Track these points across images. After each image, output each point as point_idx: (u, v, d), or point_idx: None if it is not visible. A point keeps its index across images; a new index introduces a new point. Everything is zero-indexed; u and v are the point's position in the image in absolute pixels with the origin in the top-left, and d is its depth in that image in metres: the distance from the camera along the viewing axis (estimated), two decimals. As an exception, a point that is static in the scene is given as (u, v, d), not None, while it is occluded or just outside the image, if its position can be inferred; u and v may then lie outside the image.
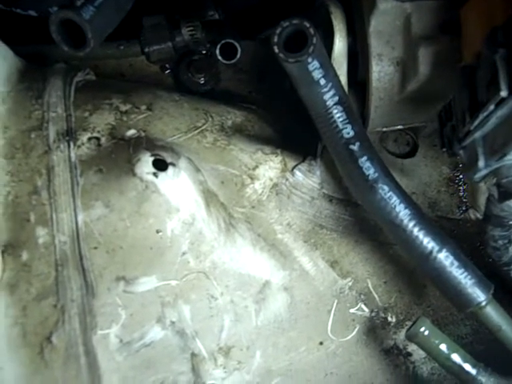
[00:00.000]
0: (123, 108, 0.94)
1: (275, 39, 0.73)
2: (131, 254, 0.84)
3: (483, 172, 0.76)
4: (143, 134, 0.92)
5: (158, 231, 0.84)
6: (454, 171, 1.12)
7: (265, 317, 0.93)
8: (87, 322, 0.81)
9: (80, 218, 0.84)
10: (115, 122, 0.92)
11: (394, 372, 1.00)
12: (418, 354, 1.00)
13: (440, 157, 1.12)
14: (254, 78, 1.18)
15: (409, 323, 0.98)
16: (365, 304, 1.00)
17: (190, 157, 0.91)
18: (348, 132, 0.84)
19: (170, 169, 0.84)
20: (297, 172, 0.99)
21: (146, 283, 0.84)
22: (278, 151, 0.99)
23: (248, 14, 1.18)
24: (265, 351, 0.93)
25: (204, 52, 1.13)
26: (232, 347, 0.90)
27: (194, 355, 0.87)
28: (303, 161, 1.00)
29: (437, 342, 0.86)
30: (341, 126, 0.83)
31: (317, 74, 0.78)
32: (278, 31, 0.73)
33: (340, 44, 0.93)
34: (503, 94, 0.65)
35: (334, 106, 0.82)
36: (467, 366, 0.85)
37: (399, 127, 1.02)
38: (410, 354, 1.01)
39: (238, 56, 1.05)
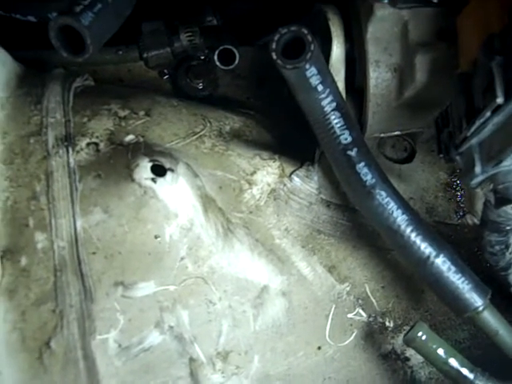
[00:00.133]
0: (122, 113, 0.94)
1: (273, 46, 0.73)
2: (130, 260, 0.84)
3: (480, 178, 0.76)
4: (142, 140, 0.92)
5: (156, 236, 0.85)
6: (451, 177, 1.13)
7: (263, 322, 0.93)
8: (86, 327, 0.81)
9: (79, 223, 0.84)
10: (114, 127, 0.92)
11: (392, 377, 1.00)
12: (415, 358, 1.00)
13: (437, 162, 1.13)
14: (253, 84, 1.18)
15: (407, 328, 0.98)
16: (363, 309, 1.00)
17: (188, 162, 0.91)
18: (346, 138, 0.84)
19: (169, 174, 0.84)
20: (295, 177, 0.99)
21: (145, 288, 0.84)
22: (276, 157, 0.99)
23: (246, 20, 1.18)
24: (263, 356, 0.93)
25: (202, 58, 1.13)
26: (230, 352, 0.90)
27: (192, 360, 0.87)
28: (301, 166, 1.00)
29: (434, 346, 0.86)
30: (338, 131, 0.84)
31: (314, 81, 0.78)
32: (276, 38, 0.73)
33: (338, 50, 0.93)
34: (499, 100, 0.66)
35: (332, 112, 0.82)
36: (465, 371, 0.86)
37: (397, 133, 1.02)
38: (407, 359, 1.01)
39: (236, 62, 1.05)
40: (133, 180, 0.84)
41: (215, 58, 1.05)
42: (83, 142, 0.90)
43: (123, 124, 0.93)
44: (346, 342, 0.98)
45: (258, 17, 1.18)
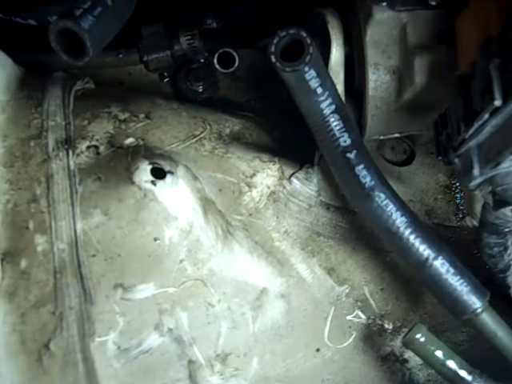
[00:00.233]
0: (122, 116, 0.95)
1: (272, 49, 0.74)
2: (129, 262, 0.85)
3: (478, 180, 0.76)
4: (141, 143, 0.93)
5: (155, 239, 0.85)
6: (450, 179, 1.13)
7: (262, 324, 0.93)
8: (85, 329, 0.81)
9: (79, 225, 0.84)
10: (114, 130, 0.93)
11: (391, 379, 1.00)
12: (414, 360, 1.00)
13: (437, 164, 1.12)
14: (252, 87, 1.19)
15: (406, 330, 0.98)
16: (362, 311, 1.00)
17: (188, 165, 0.92)
18: (345, 140, 0.84)
19: (168, 177, 0.85)
20: (294, 180, 0.99)
21: (144, 290, 0.85)
22: (276, 159, 1.00)
23: (246, 23, 1.18)
24: (262, 358, 0.93)
25: (202, 61, 1.14)
26: (229, 354, 0.90)
27: (191, 362, 0.87)
28: (300, 169, 1.01)
29: (433, 348, 0.86)
30: (338, 134, 0.84)
31: (314, 83, 0.78)
32: (274, 41, 0.74)
33: (337, 53, 0.93)
34: (497, 103, 0.66)
35: (331, 115, 0.83)
36: (463, 373, 0.86)
37: (396, 135, 1.02)
38: (406, 361, 1.01)
39: (236, 65, 1.05)
40: (133, 183, 0.84)
41: (215, 61, 1.05)
42: (83, 145, 0.90)
43: (123, 127, 0.94)
44: (345, 344, 0.98)
45: (258, 20, 1.18)
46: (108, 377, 0.81)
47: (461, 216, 1.10)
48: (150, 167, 0.84)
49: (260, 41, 1.15)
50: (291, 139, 1.07)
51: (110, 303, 0.83)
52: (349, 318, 0.99)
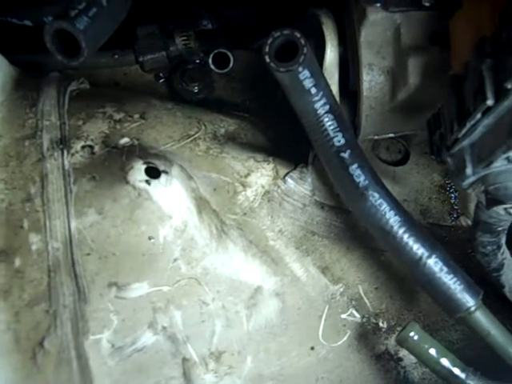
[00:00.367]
0: (117, 116, 0.95)
1: (266, 49, 0.74)
2: (123, 261, 0.85)
3: (471, 179, 0.77)
4: (136, 143, 0.93)
5: (150, 238, 0.85)
6: (445, 179, 1.13)
7: (256, 322, 0.93)
8: (79, 328, 0.81)
9: (73, 224, 0.84)
10: (109, 130, 0.93)
11: (385, 377, 1.00)
12: (408, 359, 1.01)
13: (431, 164, 1.13)
14: (247, 87, 1.19)
15: (400, 329, 0.98)
16: (356, 310, 1.00)
17: (183, 164, 0.92)
18: (339, 140, 0.85)
19: (163, 176, 0.85)
20: (288, 179, 1.00)
21: (138, 289, 0.85)
22: (270, 159, 1.00)
23: (241, 24, 1.19)
24: (256, 356, 0.93)
25: (198, 61, 1.14)
26: (223, 352, 0.90)
27: (185, 360, 0.87)
28: (295, 168, 1.01)
29: (426, 346, 0.86)
30: (332, 134, 0.84)
31: (308, 83, 0.79)
32: (269, 41, 0.74)
33: (331, 54, 0.94)
34: (489, 102, 0.66)
35: (325, 115, 0.83)
36: (456, 371, 0.86)
37: (390, 135, 1.03)
38: (401, 359, 1.01)
39: (231, 65, 1.06)
40: (127, 182, 0.84)
41: (210, 61, 1.06)
42: (78, 145, 0.90)
43: (118, 127, 0.94)
44: (340, 343, 0.99)
45: (253, 21, 1.19)
46: (102, 375, 0.81)
47: (455, 216, 1.11)
48: (144, 167, 0.85)
49: (255, 42, 1.15)
50: (286, 139, 1.08)
51: (104, 301, 0.83)
52: (343, 316, 1.00)
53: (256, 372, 0.93)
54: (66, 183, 0.86)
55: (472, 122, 0.71)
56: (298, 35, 0.74)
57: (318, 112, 0.83)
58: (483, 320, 0.86)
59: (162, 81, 1.16)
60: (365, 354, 1.00)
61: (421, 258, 0.85)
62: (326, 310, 0.98)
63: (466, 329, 0.99)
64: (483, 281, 0.92)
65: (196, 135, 0.98)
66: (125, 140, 0.92)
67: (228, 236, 0.93)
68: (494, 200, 0.77)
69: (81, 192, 0.86)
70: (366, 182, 0.85)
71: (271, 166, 0.99)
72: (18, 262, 0.82)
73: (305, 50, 0.74)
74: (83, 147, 0.90)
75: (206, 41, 1.11)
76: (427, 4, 0.85)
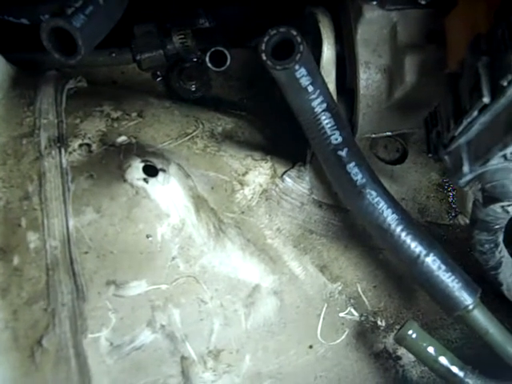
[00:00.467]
0: (114, 115, 0.95)
1: (263, 47, 0.74)
2: (122, 259, 0.85)
3: (468, 177, 0.77)
4: (134, 141, 0.93)
5: (148, 236, 0.85)
6: (443, 177, 1.13)
7: (254, 320, 0.93)
8: (78, 326, 0.81)
9: (71, 223, 0.84)
10: (106, 128, 0.93)
11: (384, 376, 1.01)
12: (407, 357, 1.01)
13: (429, 163, 1.13)
14: (245, 85, 1.19)
15: (398, 327, 0.98)
16: (354, 308, 1.01)
17: (180, 163, 0.92)
18: (336, 138, 0.85)
19: (160, 175, 0.85)
20: (286, 178, 1.00)
21: (137, 287, 0.85)
22: (268, 157, 1.00)
23: (238, 23, 1.19)
24: (254, 354, 0.93)
25: (195, 60, 1.14)
26: (222, 350, 0.90)
27: (183, 358, 0.87)
28: (293, 167, 1.01)
29: (424, 344, 0.87)
30: (329, 132, 0.84)
31: (304, 81, 0.79)
32: (265, 39, 0.74)
33: (328, 52, 0.94)
34: (485, 100, 0.66)
35: (322, 113, 0.83)
36: (454, 369, 0.86)
37: (388, 134, 1.03)
38: (399, 358, 1.01)
39: (228, 63, 1.06)
40: (125, 180, 0.84)
41: (207, 59, 1.06)
42: (76, 143, 0.90)
43: (116, 125, 0.94)
44: (338, 341, 0.99)
45: (250, 19, 1.19)
46: (100, 373, 0.82)
47: (453, 214, 1.11)
48: (142, 165, 0.85)
49: (252, 40, 1.16)
50: (283, 137, 1.08)
51: (102, 300, 0.83)
52: (341, 315, 1.00)
53: (254, 370, 0.93)
54: (64, 181, 0.86)
55: (468, 120, 0.71)
56: (295, 33, 0.74)
57: (315, 110, 0.83)
58: (481, 318, 0.87)
59: (159, 79, 1.16)
60: (363, 353, 1.01)
61: (419, 256, 0.85)
62: (324, 309, 0.99)
63: (465, 327, 1.00)
64: (481, 279, 0.92)
65: (193, 133, 0.99)
66: (122, 138, 0.92)
67: (226, 234, 0.93)
68: (490, 198, 0.77)
69: (78, 190, 0.86)
70: (364, 180, 0.85)
71: (269, 164, 1.00)
72: (16, 260, 0.82)
73: (301, 48, 0.74)
74: (81, 145, 0.90)
75: (203, 39, 1.11)
76: (423, 2, 0.85)
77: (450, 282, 0.85)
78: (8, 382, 0.79)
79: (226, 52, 1.05)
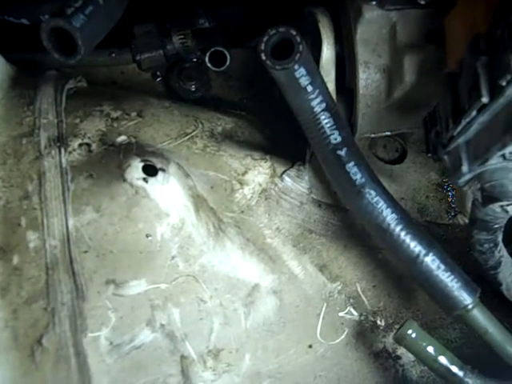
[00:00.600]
0: (114, 115, 0.95)
1: (262, 47, 0.74)
2: (121, 258, 0.85)
3: (467, 177, 0.77)
4: (133, 140, 0.93)
5: (147, 235, 0.85)
6: (442, 177, 1.14)
7: (254, 320, 0.94)
8: (77, 325, 0.81)
9: (71, 222, 0.84)
10: (106, 128, 0.93)
11: (383, 375, 1.01)
12: (407, 357, 1.01)
13: (429, 163, 1.13)
14: (245, 85, 1.19)
15: (398, 327, 0.99)
16: (354, 308, 1.01)
17: (180, 162, 0.92)
18: (335, 138, 0.85)
19: (160, 174, 0.85)
20: (286, 177, 1.00)
21: (136, 286, 0.85)
22: (267, 157, 1.00)
23: (238, 23, 1.19)
24: (254, 354, 0.93)
25: (195, 60, 1.14)
26: (221, 350, 0.90)
27: (183, 358, 0.87)
28: (292, 166, 1.01)
29: (424, 344, 0.87)
30: (328, 131, 0.85)
31: (304, 81, 0.79)
32: (264, 39, 0.74)
33: (328, 52, 0.94)
34: (484, 100, 0.67)
35: (322, 113, 0.83)
36: (454, 368, 0.86)
37: (387, 133, 1.03)
38: (399, 358, 1.01)
39: (228, 63, 1.06)
40: (124, 180, 0.85)
41: (207, 59, 1.06)
42: (75, 143, 0.91)
43: (115, 125, 0.94)
44: (337, 341, 0.99)
45: (250, 19, 1.19)
46: (100, 372, 0.82)
47: (453, 214, 1.11)
48: (141, 164, 0.85)
49: (252, 40, 1.16)
50: (283, 137, 1.08)
51: (102, 299, 0.83)
52: (341, 314, 1.00)
53: (254, 370, 0.93)
54: (64, 181, 0.86)
55: (467, 120, 0.71)
56: (294, 33, 0.74)
57: (315, 110, 0.83)
58: (481, 318, 0.87)
59: (159, 79, 1.16)
60: (363, 352, 1.01)
61: (418, 255, 0.85)
62: (323, 308, 0.99)
63: (464, 327, 1.01)
64: (481, 279, 0.92)
65: (193, 133, 0.99)
66: (122, 138, 0.92)
67: (225, 234, 0.94)
68: (489, 197, 0.77)
69: (78, 190, 0.86)
70: (363, 179, 0.85)
71: (268, 164, 1.00)
72: (15, 260, 0.82)
73: (301, 48, 0.74)
74: (80, 145, 0.90)
75: (203, 39, 1.11)
76: (422, 2, 0.85)
77: (450, 281, 0.86)
78: (8, 381, 0.79)
79: (226, 52, 1.05)
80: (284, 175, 1.00)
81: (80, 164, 0.89)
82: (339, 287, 1.01)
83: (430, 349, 0.87)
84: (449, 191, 1.13)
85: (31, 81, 0.97)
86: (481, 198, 0.79)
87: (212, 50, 1.05)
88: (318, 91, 0.81)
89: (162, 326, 0.86)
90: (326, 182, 1.00)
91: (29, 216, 0.84)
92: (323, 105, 0.83)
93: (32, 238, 0.83)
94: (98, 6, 0.78)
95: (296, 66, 0.76)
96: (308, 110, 0.83)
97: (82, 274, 0.83)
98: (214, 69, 1.06)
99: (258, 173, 0.98)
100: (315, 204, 1.01)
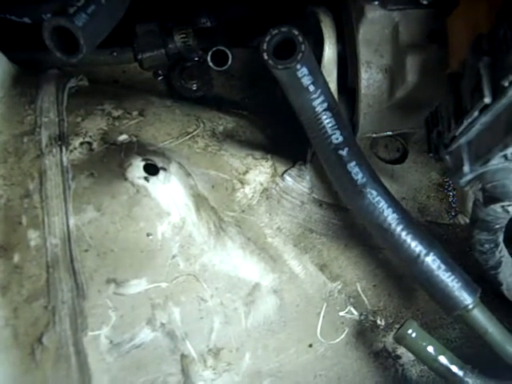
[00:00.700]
0: (115, 113, 0.95)
1: (264, 46, 0.74)
2: (122, 257, 0.85)
3: (468, 177, 0.77)
4: (135, 139, 0.93)
5: (148, 234, 0.85)
6: (443, 177, 1.14)
7: (254, 319, 0.94)
8: (78, 324, 0.81)
9: (71, 221, 0.84)
10: (107, 127, 0.93)
11: (383, 375, 1.01)
12: (406, 356, 1.01)
13: (430, 163, 1.13)
14: (246, 85, 1.19)
15: (398, 326, 0.99)
16: (354, 307, 1.01)
17: (181, 162, 0.92)
18: (337, 138, 0.85)
19: (161, 173, 0.85)
20: (287, 177, 1.00)
21: (137, 285, 0.85)
22: (269, 156, 1.00)
23: (240, 22, 1.19)
24: (254, 353, 0.93)
25: (196, 59, 1.14)
26: (222, 349, 0.90)
27: (183, 356, 0.87)
28: (293, 166, 1.01)
29: (424, 344, 0.87)
30: (330, 131, 0.85)
31: (306, 81, 0.79)
32: (267, 38, 0.74)
33: (330, 51, 0.94)
34: (487, 100, 0.66)
35: (323, 112, 0.84)
36: (454, 368, 0.86)
37: (388, 133, 1.03)
38: (399, 357, 1.01)
39: (229, 63, 1.06)
40: (126, 179, 0.85)
41: (208, 58, 1.06)
42: (77, 142, 0.91)
43: (117, 124, 0.94)
44: (338, 340, 0.99)
45: (252, 18, 1.19)
46: (100, 371, 0.82)
47: (453, 214, 1.11)
48: (143, 163, 0.85)
49: (254, 39, 1.16)
50: (284, 137, 1.08)
51: (102, 298, 0.83)
52: (341, 314, 1.00)
53: (254, 369, 0.93)
54: (65, 179, 0.86)
55: (469, 120, 0.71)
56: (296, 32, 0.74)
57: (316, 109, 0.83)
58: (481, 318, 0.87)
59: (160, 78, 1.16)
60: (363, 352, 1.01)
61: (419, 255, 0.85)
62: (324, 308, 0.99)
63: (464, 327, 1.00)
64: (481, 279, 0.92)
65: (194, 132, 0.99)
66: (123, 137, 0.92)
67: (226, 233, 0.94)
68: (491, 198, 0.77)
69: (79, 188, 0.86)
70: (364, 179, 0.86)
71: (269, 163, 1.00)
72: (16, 258, 0.82)
73: (303, 48, 0.74)
74: (82, 144, 0.90)
75: (205, 38, 1.12)
76: (425, 2, 0.85)
77: (450, 281, 0.86)
78: (8, 380, 0.79)
79: (228, 51, 1.06)
80: (285, 175, 1.00)
81: (81, 163, 0.89)
82: (339, 287, 1.01)
83: (430, 348, 0.87)
84: (450, 191, 1.13)
85: (33, 79, 0.97)
86: (482, 198, 0.79)
87: (214, 49, 1.05)
88: (319, 91, 0.81)
89: (163, 324, 0.86)
90: (327, 181, 1.00)
91: (30, 214, 0.84)
92: (325, 104, 0.83)
93: (33, 236, 0.83)
94: (100, 5, 0.78)
95: (298, 66, 0.76)
96: (310, 109, 0.83)
97: (82, 272, 0.83)
98: (215, 68, 1.07)
99: (259, 172, 0.98)
100: (316, 203, 1.01)
